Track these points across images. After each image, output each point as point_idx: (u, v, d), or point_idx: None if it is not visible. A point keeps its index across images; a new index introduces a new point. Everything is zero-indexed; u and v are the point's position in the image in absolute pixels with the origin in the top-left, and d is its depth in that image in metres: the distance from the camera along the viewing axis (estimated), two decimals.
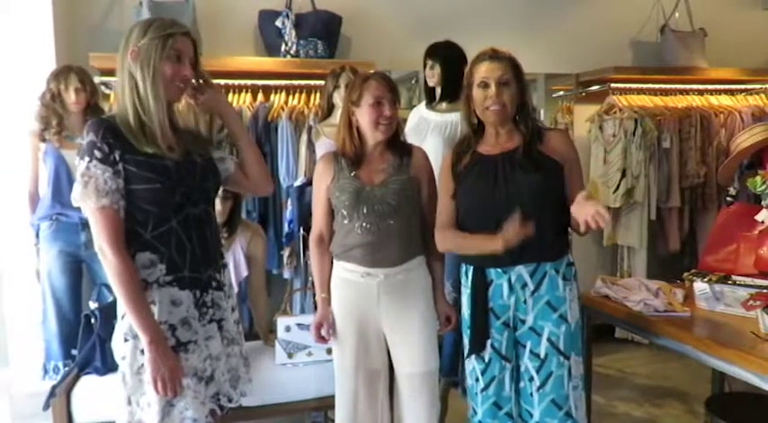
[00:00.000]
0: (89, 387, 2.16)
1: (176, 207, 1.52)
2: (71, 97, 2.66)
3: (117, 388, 1.56)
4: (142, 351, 1.50)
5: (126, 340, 1.52)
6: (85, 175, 1.45)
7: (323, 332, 1.97)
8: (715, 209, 3.73)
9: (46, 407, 2.09)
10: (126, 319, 1.51)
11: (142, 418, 1.53)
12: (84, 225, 2.64)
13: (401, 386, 1.97)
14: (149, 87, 1.49)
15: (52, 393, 2.10)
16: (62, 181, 2.64)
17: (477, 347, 1.85)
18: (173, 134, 1.58)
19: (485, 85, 1.79)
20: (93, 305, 2.35)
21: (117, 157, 1.46)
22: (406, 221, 1.92)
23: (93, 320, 2.19)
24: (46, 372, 2.74)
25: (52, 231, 2.69)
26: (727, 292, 2.14)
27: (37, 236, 2.74)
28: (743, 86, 4.08)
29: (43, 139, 2.68)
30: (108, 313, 2.01)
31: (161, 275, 1.52)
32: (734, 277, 2.23)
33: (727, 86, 4.07)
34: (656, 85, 3.94)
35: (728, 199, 2.66)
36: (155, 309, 1.51)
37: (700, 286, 2.20)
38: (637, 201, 3.67)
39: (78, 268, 2.78)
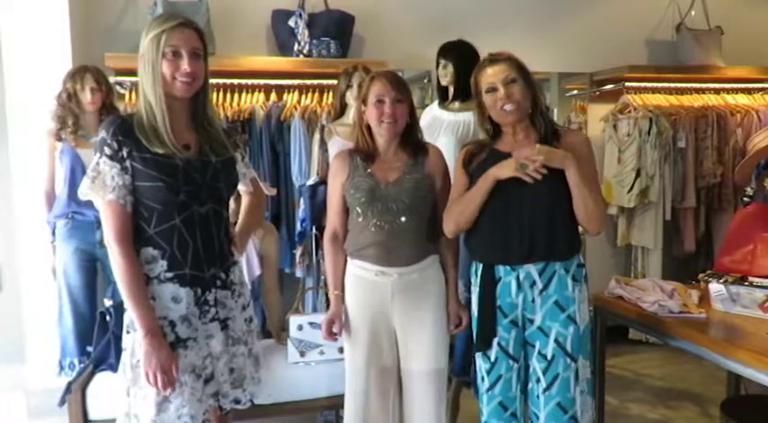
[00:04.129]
0: (104, 384, 2.18)
1: (180, 206, 1.53)
2: (87, 97, 2.69)
3: (120, 379, 1.59)
4: (140, 344, 1.52)
5: (128, 332, 1.56)
6: (95, 170, 1.50)
7: (334, 329, 1.98)
8: (731, 209, 3.69)
9: (61, 403, 2.12)
10: (128, 313, 1.54)
11: (138, 411, 1.55)
12: (100, 223, 2.67)
13: (410, 384, 1.97)
14: (149, 88, 1.51)
15: (68, 389, 2.13)
16: (78, 180, 2.66)
17: (483, 345, 1.85)
18: (193, 132, 1.59)
19: (493, 89, 1.80)
20: (107, 302, 2.37)
21: (125, 155, 1.49)
22: (419, 220, 1.92)
23: (107, 318, 2.22)
24: (61, 368, 2.77)
25: (68, 229, 2.73)
26: (743, 293, 2.12)
27: (53, 234, 2.78)
28: (760, 85, 4.03)
29: (59, 139, 2.71)
30: (122, 311, 2.02)
31: (162, 271, 1.54)
32: (750, 278, 2.20)
33: (743, 85, 4.02)
34: (672, 84, 3.90)
35: (745, 199, 2.63)
36: (154, 304, 1.53)
37: (715, 287, 2.18)
38: (651, 201, 3.64)
39: (93, 266, 2.81)
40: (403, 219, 1.89)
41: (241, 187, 1.78)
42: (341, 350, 2.20)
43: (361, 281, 1.95)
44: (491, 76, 1.80)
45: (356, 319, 1.96)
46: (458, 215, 1.86)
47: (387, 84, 1.89)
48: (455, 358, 2.64)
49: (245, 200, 1.86)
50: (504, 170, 1.74)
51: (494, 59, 1.82)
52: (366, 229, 1.91)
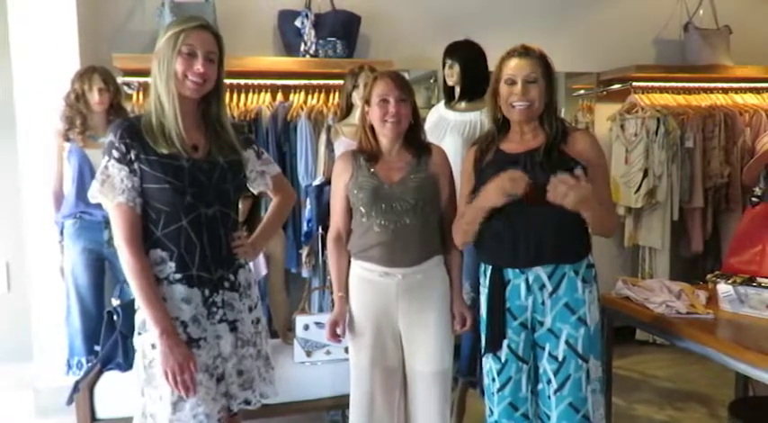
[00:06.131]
0: (111, 383, 2.19)
1: (187, 207, 1.54)
2: (95, 97, 2.70)
3: (134, 380, 1.60)
4: (153, 345, 1.53)
5: (139, 334, 1.57)
6: (104, 173, 1.51)
7: (338, 331, 1.98)
8: (739, 209, 3.66)
9: (69, 401, 2.13)
10: (140, 314, 1.55)
11: (154, 411, 1.56)
12: (108, 223, 2.68)
13: (415, 384, 1.97)
14: (162, 85, 1.52)
15: (75, 388, 2.14)
16: (86, 180, 2.68)
17: (493, 347, 1.84)
18: (202, 133, 1.60)
19: (511, 82, 1.77)
20: (115, 302, 2.38)
21: (133, 157, 1.50)
22: (423, 220, 1.92)
23: (115, 317, 2.23)
24: (69, 367, 2.79)
25: (76, 229, 2.74)
26: (751, 294, 2.10)
27: (61, 233, 2.79)
28: None
29: (67, 139, 2.73)
30: (130, 310, 2.04)
31: (171, 273, 1.55)
32: (759, 279, 2.19)
33: (752, 85, 3.99)
34: (680, 84, 3.88)
35: (753, 199, 2.62)
36: (165, 305, 1.54)
37: (723, 288, 2.17)
38: (659, 201, 3.62)
39: (101, 265, 2.83)
40: (407, 219, 1.89)
41: (260, 186, 1.77)
42: (347, 350, 2.20)
43: (366, 282, 1.95)
44: (515, 68, 1.77)
45: (361, 320, 1.97)
46: (462, 234, 1.87)
47: (390, 83, 1.89)
48: (461, 359, 2.64)
49: (273, 200, 1.85)
50: (491, 199, 1.73)
51: (525, 53, 1.78)
52: (370, 230, 1.91)
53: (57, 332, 2.86)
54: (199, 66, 1.52)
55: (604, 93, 3.96)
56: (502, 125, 1.87)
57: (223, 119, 1.63)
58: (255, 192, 1.82)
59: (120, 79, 2.93)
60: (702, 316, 2.09)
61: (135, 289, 1.51)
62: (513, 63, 1.78)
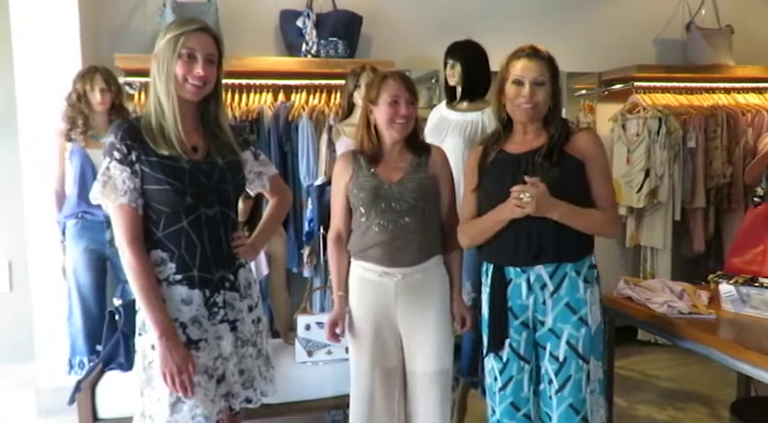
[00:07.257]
0: (113, 382, 2.20)
1: (188, 208, 1.54)
2: (96, 97, 2.71)
3: (134, 380, 1.61)
4: (152, 346, 1.53)
5: (140, 334, 1.58)
6: (105, 174, 1.51)
7: (337, 330, 1.98)
8: (741, 209, 3.66)
9: (71, 401, 2.13)
10: (140, 314, 1.56)
11: (153, 412, 1.56)
12: (110, 223, 2.68)
13: (415, 384, 1.97)
14: (162, 88, 1.52)
15: (77, 388, 2.14)
16: (88, 180, 2.69)
17: (495, 347, 1.84)
18: (201, 134, 1.60)
19: (519, 83, 1.77)
20: (117, 302, 2.39)
21: (134, 158, 1.51)
22: (423, 220, 1.92)
23: (117, 317, 2.23)
24: (71, 367, 2.79)
25: (78, 229, 2.75)
26: (753, 294, 2.10)
27: (63, 233, 2.80)
28: None
29: (69, 139, 2.73)
30: (132, 310, 2.04)
31: (171, 274, 1.55)
32: (761, 279, 2.18)
33: (754, 85, 3.99)
34: (681, 84, 3.88)
35: (755, 199, 2.61)
36: (164, 306, 1.54)
37: (725, 288, 2.16)
38: (660, 201, 3.62)
39: (103, 265, 2.83)
40: (407, 219, 1.89)
41: (258, 187, 1.77)
42: (348, 350, 2.20)
43: (366, 282, 1.95)
44: (524, 69, 1.76)
45: (360, 321, 1.97)
46: (475, 233, 1.87)
47: (402, 84, 1.90)
48: (462, 359, 2.64)
49: (270, 201, 1.86)
50: (505, 213, 1.74)
51: (533, 55, 1.77)
52: (369, 230, 1.91)
53: (58, 332, 2.87)
54: (199, 69, 1.52)
55: (606, 93, 3.96)
56: (506, 124, 1.87)
57: (221, 120, 1.64)
58: (253, 193, 1.82)
59: (121, 79, 2.93)
60: (704, 316, 2.08)
61: (136, 290, 1.51)
62: (522, 64, 1.77)
